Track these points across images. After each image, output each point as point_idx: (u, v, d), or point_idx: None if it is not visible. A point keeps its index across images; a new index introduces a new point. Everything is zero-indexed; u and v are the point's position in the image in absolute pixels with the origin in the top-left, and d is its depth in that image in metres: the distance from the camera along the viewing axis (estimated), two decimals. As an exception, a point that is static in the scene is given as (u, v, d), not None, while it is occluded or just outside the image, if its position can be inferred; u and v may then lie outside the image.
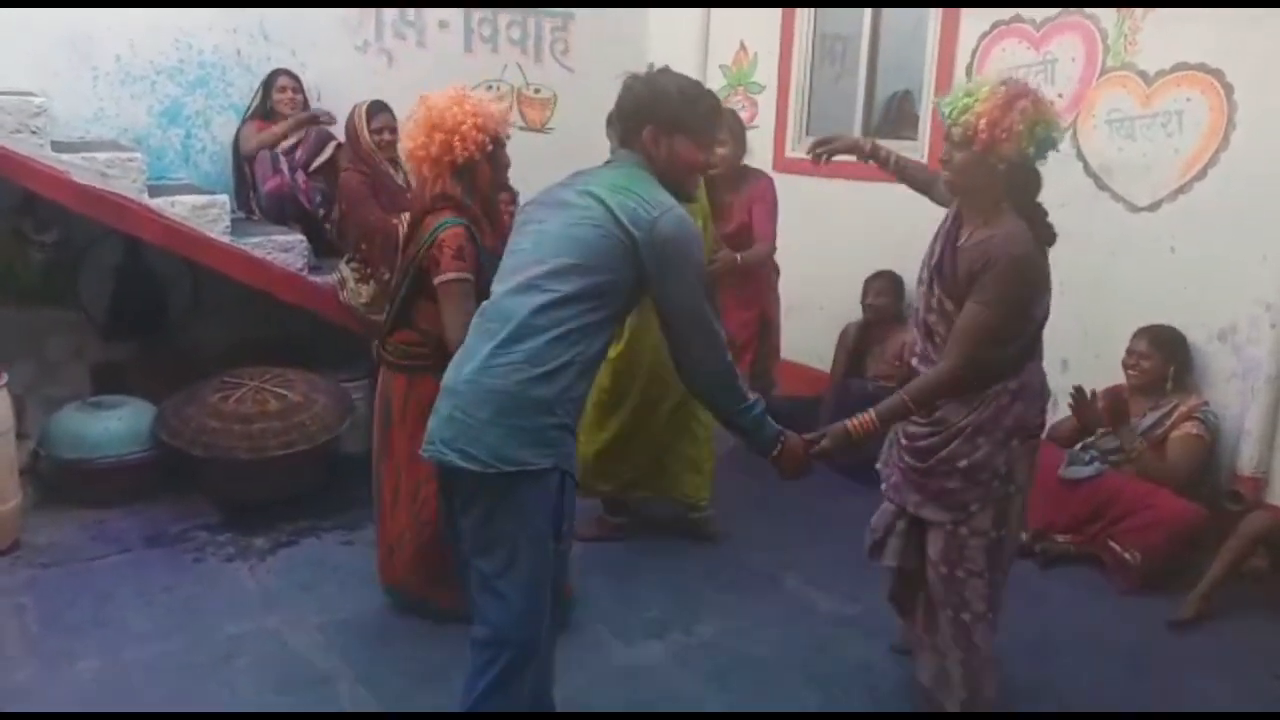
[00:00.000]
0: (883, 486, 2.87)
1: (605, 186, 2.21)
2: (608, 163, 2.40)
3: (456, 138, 2.97)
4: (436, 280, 2.99)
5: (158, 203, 4.23)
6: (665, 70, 2.37)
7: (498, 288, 2.27)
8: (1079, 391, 3.92)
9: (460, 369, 2.21)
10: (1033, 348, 2.63)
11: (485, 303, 2.30)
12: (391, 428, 3.24)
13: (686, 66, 6.06)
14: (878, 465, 2.91)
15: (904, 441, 2.73)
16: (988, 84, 2.44)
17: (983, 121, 2.37)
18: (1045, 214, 2.56)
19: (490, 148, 3.04)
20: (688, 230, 2.22)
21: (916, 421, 2.66)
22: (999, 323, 2.48)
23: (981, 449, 2.56)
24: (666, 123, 2.28)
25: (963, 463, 2.58)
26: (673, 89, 2.30)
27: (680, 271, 2.18)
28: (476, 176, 3.07)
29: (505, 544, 2.20)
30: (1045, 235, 2.56)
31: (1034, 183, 2.55)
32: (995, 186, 2.49)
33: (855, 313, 5.17)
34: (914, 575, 2.87)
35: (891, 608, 3.09)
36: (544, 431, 2.16)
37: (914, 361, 2.74)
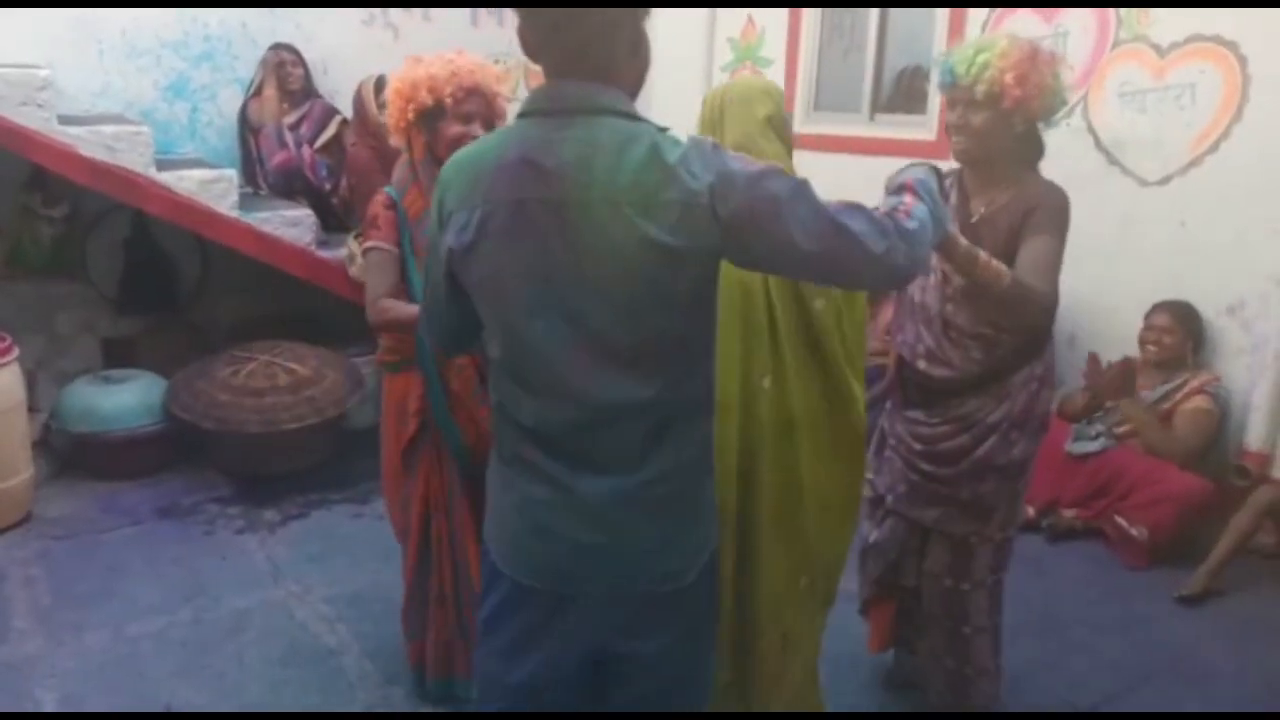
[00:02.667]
0: (888, 500, 2.59)
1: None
2: (560, 113, 1.44)
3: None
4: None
5: (165, 177, 4.22)
6: None
7: None
8: (1094, 360, 3.76)
9: None
10: (1051, 325, 2.42)
11: None
12: None
13: (694, 40, 6.06)
14: (868, 475, 2.54)
15: (918, 446, 2.46)
16: (1000, 38, 2.23)
17: (1009, 77, 2.15)
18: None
19: (412, 116, 2.52)
20: (749, 163, 1.46)
21: (929, 421, 2.42)
22: (1061, 254, 2.23)
23: (1018, 445, 2.36)
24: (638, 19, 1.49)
25: (1001, 460, 2.35)
26: None
27: (781, 215, 1.43)
28: (411, 149, 2.62)
29: None
30: None
31: (1041, 146, 2.37)
32: (1010, 150, 2.29)
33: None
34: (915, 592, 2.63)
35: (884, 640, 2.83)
36: None
37: (922, 364, 2.43)
